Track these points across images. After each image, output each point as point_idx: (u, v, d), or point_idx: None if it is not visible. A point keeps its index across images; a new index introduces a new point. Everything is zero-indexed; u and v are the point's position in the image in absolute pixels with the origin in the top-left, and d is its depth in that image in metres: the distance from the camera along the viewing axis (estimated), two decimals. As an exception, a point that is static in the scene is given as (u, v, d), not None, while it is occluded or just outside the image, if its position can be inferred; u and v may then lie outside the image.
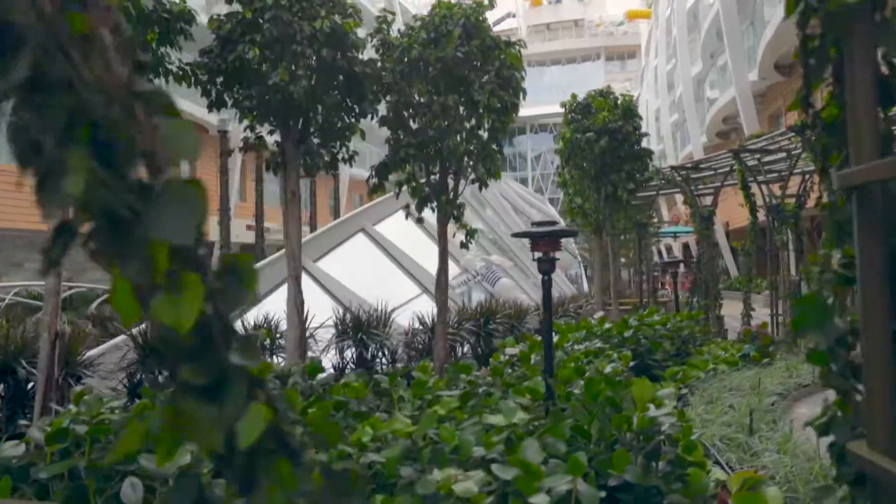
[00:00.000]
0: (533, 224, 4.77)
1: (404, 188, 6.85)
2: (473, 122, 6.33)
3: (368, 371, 6.52)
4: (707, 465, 3.65)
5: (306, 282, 11.46)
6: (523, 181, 57.42)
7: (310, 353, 7.91)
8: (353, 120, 6.33)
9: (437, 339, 6.55)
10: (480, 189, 7.11)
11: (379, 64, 6.35)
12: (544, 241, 4.55)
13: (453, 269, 14.56)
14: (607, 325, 7.67)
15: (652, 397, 3.84)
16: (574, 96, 10.83)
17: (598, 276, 11.10)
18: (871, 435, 1.44)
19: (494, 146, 6.56)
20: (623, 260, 20.34)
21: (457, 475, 2.89)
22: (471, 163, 6.44)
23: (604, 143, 10.10)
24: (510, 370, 5.85)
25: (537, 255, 4.61)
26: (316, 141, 6.42)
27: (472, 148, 6.34)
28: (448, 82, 6.12)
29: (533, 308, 10.73)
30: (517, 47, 6.49)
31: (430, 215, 15.25)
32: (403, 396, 4.90)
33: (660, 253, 26.93)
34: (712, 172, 13.89)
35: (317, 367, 5.22)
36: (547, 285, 4.58)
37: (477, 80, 6.12)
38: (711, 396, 6.92)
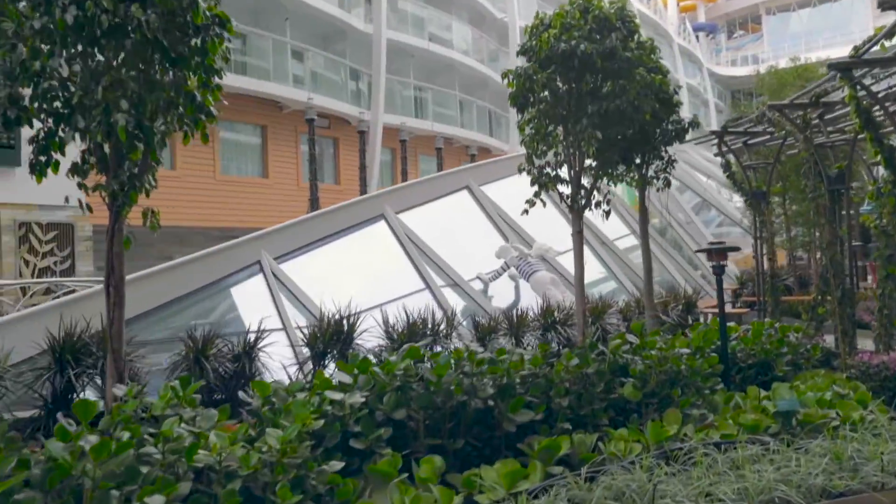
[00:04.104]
0: None
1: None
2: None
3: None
4: None
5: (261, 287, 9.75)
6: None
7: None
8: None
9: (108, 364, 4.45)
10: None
11: None
12: None
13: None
14: (402, 365, 4.45)
15: None
16: (539, 15, 7.03)
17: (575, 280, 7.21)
18: None
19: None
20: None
21: None
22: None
23: (543, 77, 6.42)
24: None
25: None
26: None
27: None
28: None
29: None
30: None
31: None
32: None
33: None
34: (768, 136, 9.35)
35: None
36: None
37: None
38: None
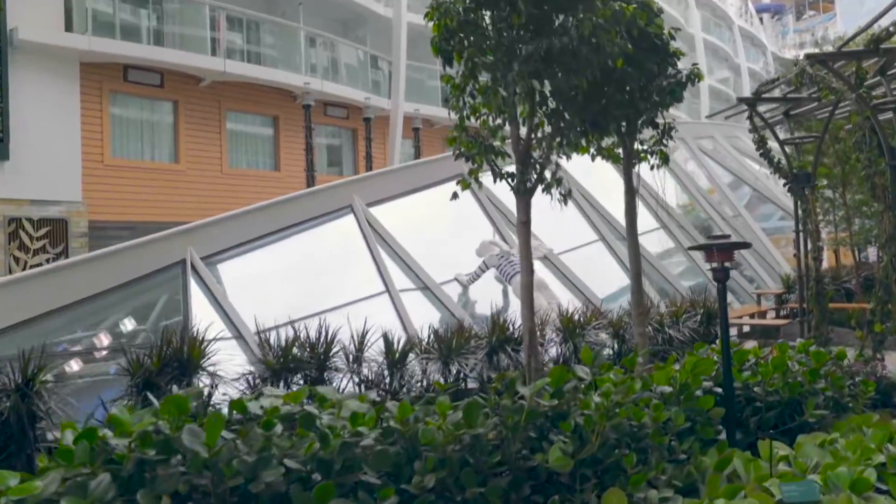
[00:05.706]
0: None
1: None
2: None
3: None
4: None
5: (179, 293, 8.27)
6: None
7: None
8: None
9: None
10: None
11: None
12: None
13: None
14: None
15: None
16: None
17: (520, 281, 5.24)
18: None
19: None
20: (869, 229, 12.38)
21: None
22: None
23: (461, 5, 4.55)
24: None
25: None
26: None
27: None
28: None
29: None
30: None
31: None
32: None
33: None
34: (814, 104, 7.24)
35: None
36: None
37: None
38: None
